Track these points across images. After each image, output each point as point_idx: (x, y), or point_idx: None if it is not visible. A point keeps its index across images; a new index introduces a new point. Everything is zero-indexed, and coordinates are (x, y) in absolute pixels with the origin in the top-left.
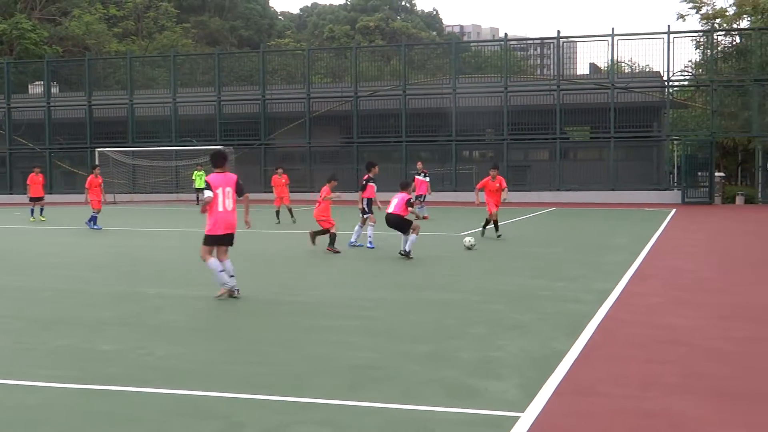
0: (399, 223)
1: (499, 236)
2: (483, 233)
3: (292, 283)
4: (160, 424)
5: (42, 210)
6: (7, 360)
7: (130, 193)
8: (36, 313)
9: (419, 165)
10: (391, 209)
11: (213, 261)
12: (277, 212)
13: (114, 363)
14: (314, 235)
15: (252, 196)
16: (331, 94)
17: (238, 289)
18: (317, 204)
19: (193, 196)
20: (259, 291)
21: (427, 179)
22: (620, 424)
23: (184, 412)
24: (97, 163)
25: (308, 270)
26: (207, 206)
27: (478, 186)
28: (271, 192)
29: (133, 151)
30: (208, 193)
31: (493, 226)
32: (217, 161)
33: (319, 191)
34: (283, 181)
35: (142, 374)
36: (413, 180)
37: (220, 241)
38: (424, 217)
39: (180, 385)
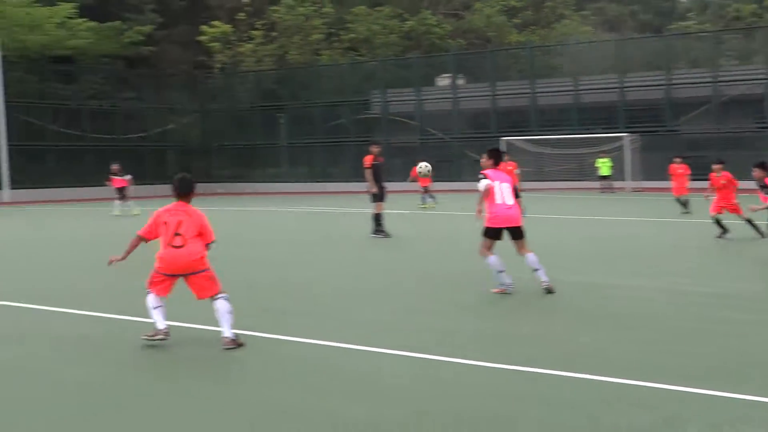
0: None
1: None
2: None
3: (692, 273)
4: (593, 410)
5: (426, 198)
6: (435, 339)
7: (533, 180)
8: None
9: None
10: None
11: (492, 258)
12: (680, 201)
13: (534, 346)
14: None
15: (656, 183)
16: (740, 77)
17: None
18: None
19: (596, 184)
20: (663, 281)
21: None
22: None
23: (614, 401)
24: (505, 150)
25: (710, 261)
26: (483, 200)
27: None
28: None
29: (536, 140)
30: (484, 182)
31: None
32: (495, 158)
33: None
34: (681, 171)
35: (565, 359)
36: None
37: (499, 235)
38: None
39: (605, 373)
